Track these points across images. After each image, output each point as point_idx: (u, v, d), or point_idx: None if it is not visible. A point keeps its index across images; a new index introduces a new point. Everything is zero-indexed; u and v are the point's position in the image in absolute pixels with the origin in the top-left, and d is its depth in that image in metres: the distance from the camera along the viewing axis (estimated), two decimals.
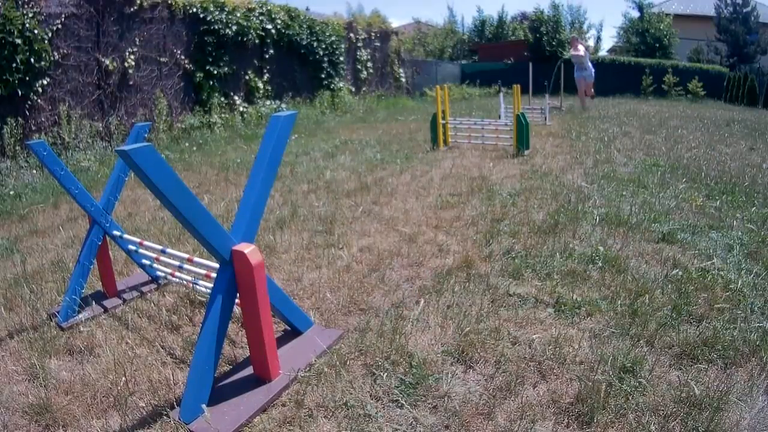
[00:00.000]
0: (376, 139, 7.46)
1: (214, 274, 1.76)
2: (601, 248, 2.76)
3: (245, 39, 9.12)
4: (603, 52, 24.90)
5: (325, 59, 11.33)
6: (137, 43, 7.47)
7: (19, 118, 5.97)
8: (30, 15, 5.91)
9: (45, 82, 6.21)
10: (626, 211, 3.44)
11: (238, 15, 8.88)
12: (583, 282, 2.42)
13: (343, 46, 11.98)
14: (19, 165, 5.75)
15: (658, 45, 20.11)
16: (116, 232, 2.39)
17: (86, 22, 6.75)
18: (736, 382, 1.64)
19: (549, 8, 20.56)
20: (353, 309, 2.29)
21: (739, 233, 2.99)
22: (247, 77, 9.53)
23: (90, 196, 2.31)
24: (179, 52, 8.14)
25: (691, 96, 16.03)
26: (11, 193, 4.96)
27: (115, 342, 2.08)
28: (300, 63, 10.88)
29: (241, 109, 9.28)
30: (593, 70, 10.96)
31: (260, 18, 9.56)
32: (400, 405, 1.63)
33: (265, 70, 9.93)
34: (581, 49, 10.78)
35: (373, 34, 13.64)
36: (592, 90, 11.35)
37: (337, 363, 1.83)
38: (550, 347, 1.88)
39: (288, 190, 4.53)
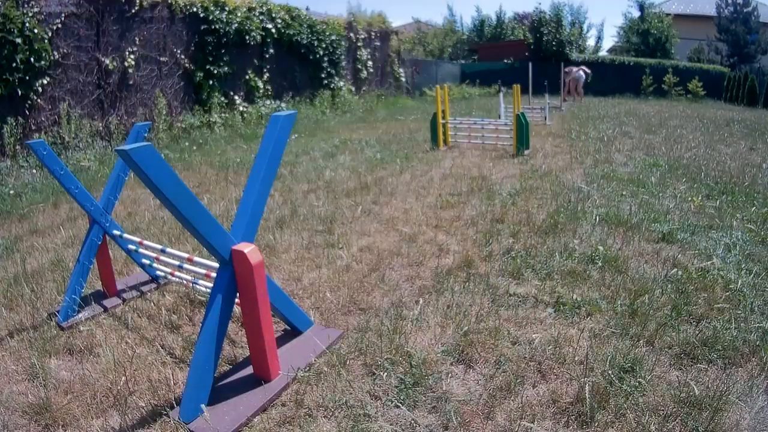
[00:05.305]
0: (376, 139, 7.45)
1: (214, 274, 1.76)
2: (601, 248, 2.76)
3: (245, 39, 9.11)
4: (603, 52, 24.92)
5: (326, 59, 11.33)
6: (137, 42, 7.46)
7: (19, 118, 5.97)
8: (30, 14, 5.91)
9: (45, 82, 6.21)
10: (626, 210, 3.44)
11: (239, 15, 8.87)
12: (583, 282, 2.42)
13: (343, 45, 11.98)
14: (19, 164, 5.74)
15: (659, 46, 20.15)
16: (116, 232, 2.39)
17: (86, 21, 6.75)
18: (736, 382, 1.64)
19: (550, 9, 20.56)
20: (353, 309, 2.28)
21: (739, 233, 2.99)
22: (247, 77, 9.52)
23: (90, 196, 2.31)
24: (179, 51, 8.14)
25: (691, 96, 16.03)
26: (11, 192, 4.96)
27: (114, 342, 2.08)
28: (300, 63, 10.87)
29: (241, 108, 9.28)
30: (583, 77, 13.92)
31: (260, 17, 9.56)
32: (399, 405, 1.63)
33: (265, 70, 9.93)
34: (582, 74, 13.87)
35: (373, 33, 13.63)
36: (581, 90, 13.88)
37: (337, 363, 1.83)
38: (550, 347, 1.88)
39: (288, 190, 4.52)
